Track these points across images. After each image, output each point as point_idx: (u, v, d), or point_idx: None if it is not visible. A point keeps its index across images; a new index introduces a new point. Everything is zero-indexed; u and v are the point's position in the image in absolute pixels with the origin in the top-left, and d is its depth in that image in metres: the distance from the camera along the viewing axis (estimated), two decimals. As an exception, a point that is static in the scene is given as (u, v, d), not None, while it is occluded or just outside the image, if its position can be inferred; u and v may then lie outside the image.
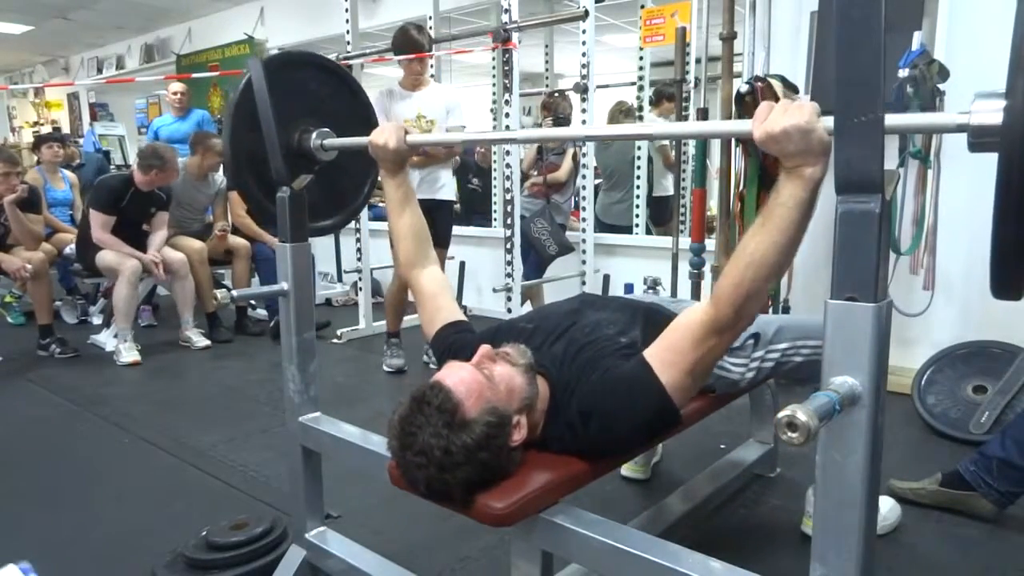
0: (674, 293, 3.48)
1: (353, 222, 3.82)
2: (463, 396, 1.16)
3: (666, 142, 4.62)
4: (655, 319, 1.48)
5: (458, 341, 1.45)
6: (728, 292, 1.09)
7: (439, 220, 3.38)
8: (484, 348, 1.27)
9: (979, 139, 0.79)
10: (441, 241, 3.40)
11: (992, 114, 0.77)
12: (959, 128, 0.81)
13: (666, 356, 1.20)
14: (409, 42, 3.35)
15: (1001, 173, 0.76)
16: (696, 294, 3.23)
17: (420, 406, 1.16)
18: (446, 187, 3.56)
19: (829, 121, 0.90)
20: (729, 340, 1.17)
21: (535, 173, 4.13)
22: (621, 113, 4.71)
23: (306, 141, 1.59)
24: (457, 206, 5.73)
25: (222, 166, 4.22)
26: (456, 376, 1.20)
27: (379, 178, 1.59)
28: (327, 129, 1.61)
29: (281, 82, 1.54)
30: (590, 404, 1.25)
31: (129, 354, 3.75)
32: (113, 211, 3.85)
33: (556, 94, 4.31)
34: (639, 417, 1.22)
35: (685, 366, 1.18)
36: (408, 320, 3.72)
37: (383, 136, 1.46)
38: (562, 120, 4.02)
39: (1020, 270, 0.81)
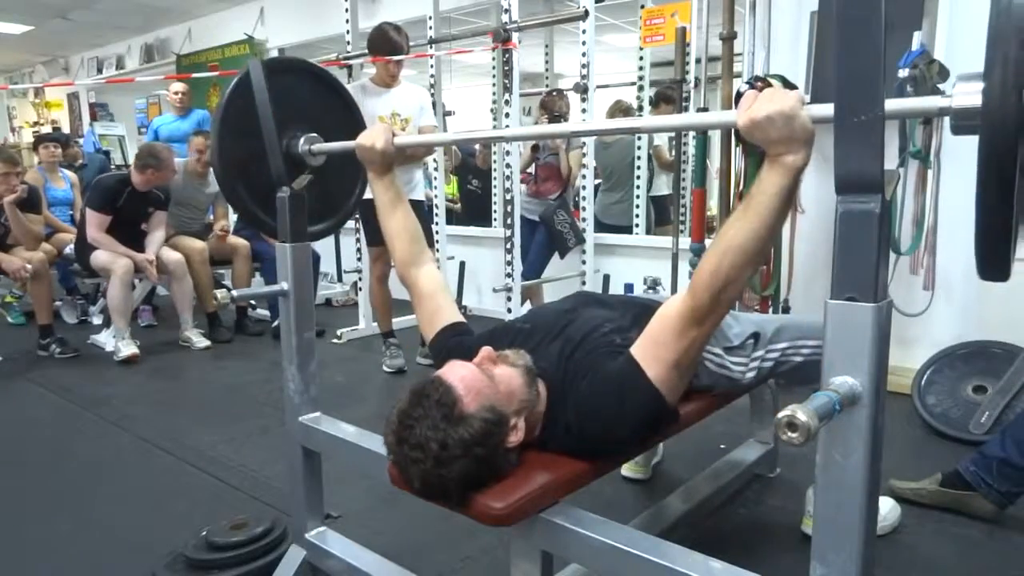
0: (674, 293, 3.47)
1: (352, 221, 3.82)
2: (463, 392, 1.16)
3: (661, 143, 4.63)
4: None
5: (457, 346, 1.44)
6: (706, 279, 1.08)
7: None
8: (486, 349, 1.27)
9: (961, 122, 0.79)
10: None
11: (972, 96, 0.77)
12: (942, 112, 0.81)
13: (650, 350, 1.20)
14: (387, 43, 3.36)
15: (981, 153, 0.76)
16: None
17: (420, 399, 1.16)
18: (419, 187, 3.58)
19: (813, 109, 0.90)
20: (709, 330, 1.16)
21: (531, 172, 4.12)
22: (620, 112, 4.71)
23: (295, 147, 1.60)
24: (458, 206, 5.74)
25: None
26: (457, 373, 1.20)
27: (368, 180, 1.59)
28: (315, 134, 1.63)
29: (270, 88, 1.55)
30: (584, 407, 1.25)
31: (127, 348, 3.74)
32: (109, 211, 3.84)
33: (554, 93, 4.30)
34: (632, 416, 1.22)
35: (669, 359, 1.18)
36: (406, 320, 3.72)
37: (370, 138, 1.48)
38: (557, 118, 4.01)
39: (1004, 250, 0.81)
